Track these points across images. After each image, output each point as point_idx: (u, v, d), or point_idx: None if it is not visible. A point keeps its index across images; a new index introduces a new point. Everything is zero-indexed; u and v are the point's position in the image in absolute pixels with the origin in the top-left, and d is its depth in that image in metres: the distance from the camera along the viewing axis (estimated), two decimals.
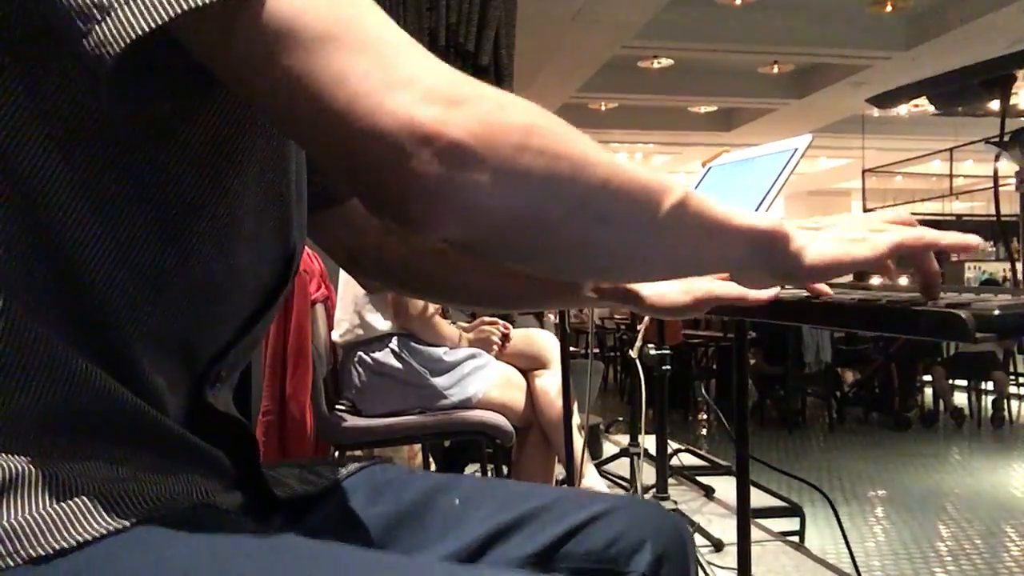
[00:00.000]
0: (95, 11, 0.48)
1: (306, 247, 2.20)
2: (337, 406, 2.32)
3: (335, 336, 2.35)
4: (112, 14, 0.47)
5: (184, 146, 0.58)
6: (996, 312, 0.64)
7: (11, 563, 0.50)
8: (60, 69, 0.53)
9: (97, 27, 0.48)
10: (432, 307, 2.33)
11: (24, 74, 0.53)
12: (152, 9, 0.47)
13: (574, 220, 0.54)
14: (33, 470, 0.53)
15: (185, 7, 0.47)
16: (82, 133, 0.55)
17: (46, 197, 0.54)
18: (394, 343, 2.27)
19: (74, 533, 0.52)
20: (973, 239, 0.70)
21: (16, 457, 0.53)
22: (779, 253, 0.64)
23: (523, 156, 0.51)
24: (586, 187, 0.53)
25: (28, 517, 0.52)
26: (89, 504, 0.53)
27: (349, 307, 2.32)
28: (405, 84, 0.49)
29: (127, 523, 0.54)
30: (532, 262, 0.61)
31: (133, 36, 0.47)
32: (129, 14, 0.47)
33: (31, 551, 0.51)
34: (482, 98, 0.51)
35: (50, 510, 0.52)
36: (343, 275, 2.36)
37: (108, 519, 0.53)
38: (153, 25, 0.47)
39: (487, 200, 0.50)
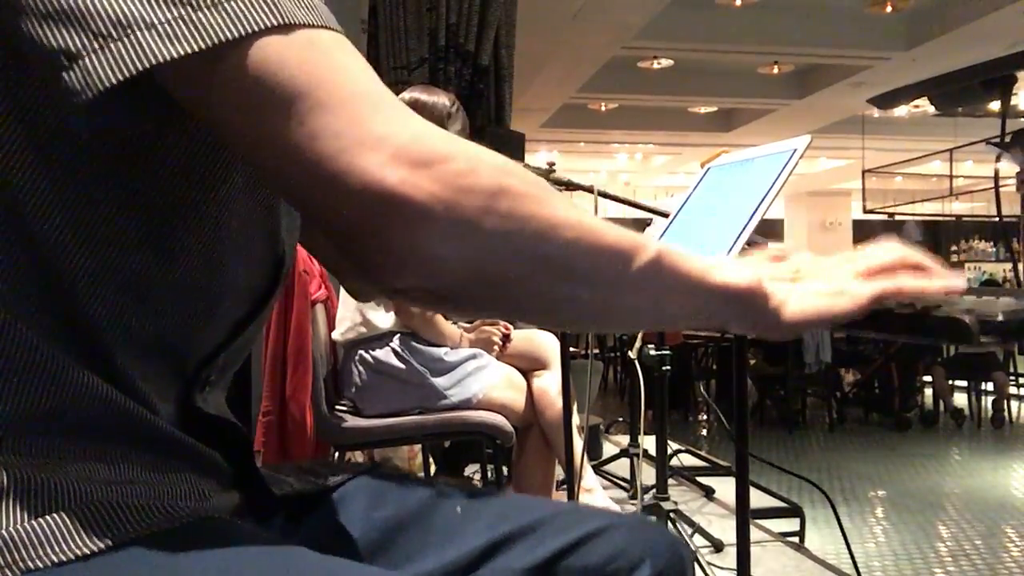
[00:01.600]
0: (63, 58, 0.48)
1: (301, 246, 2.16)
2: (337, 406, 2.32)
3: (336, 334, 2.35)
4: (80, 62, 0.48)
5: (170, 154, 0.58)
6: (1000, 317, 0.64)
7: (8, 574, 0.50)
8: (42, 79, 0.53)
9: (66, 74, 0.48)
10: None
11: (5, 84, 0.53)
12: (121, 60, 0.48)
13: (538, 278, 0.55)
14: (29, 476, 0.53)
15: (154, 60, 0.48)
16: (65, 142, 0.54)
17: (29, 206, 0.54)
18: (395, 342, 2.27)
19: (76, 545, 0.52)
20: (959, 283, 0.69)
21: (11, 463, 0.53)
22: (756, 310, 0.64)
23: (487, 219, 0.52)
24: (550, 246, 0.54)
25: (27, 527, 0.51)
26: (92, 513, 0.53)
27: (351, 305, 2.32)
28: (374, 144, 0.50)
29: (121, 540, 0.53)
30: (497, 313, 0.62)
31: (102, 87, 0.48)
32: (98, 64, 0.48)
33: (29, 563, 0.51)
34: (451, 158, 0.52)
35: (49, 519, 0.52)
36: None
37: (100, 536, 0.53)
38: (121, 77, 0.48)
39: (449, 258, 0.52)
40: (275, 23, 0.50)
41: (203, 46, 0.48)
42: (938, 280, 0.68)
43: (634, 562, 0.72)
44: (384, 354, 2.27)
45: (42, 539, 0.51)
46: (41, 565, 0.51)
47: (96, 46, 0.48)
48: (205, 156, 0.60)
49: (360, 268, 0.54)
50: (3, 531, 0.51)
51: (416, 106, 2.27)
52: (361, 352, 2.28)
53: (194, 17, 0.48)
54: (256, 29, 0.49)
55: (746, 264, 0.70)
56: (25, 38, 0.49)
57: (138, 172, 0.57)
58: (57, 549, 0.51)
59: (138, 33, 0.48)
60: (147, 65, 0.48)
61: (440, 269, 0.52)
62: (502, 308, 0.59)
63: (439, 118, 2.28)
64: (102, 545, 0.52)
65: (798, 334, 0.67)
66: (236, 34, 0.49)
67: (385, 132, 0.50)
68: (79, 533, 0.52)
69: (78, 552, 0.51)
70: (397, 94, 2.45)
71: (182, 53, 0.48)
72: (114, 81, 0.47)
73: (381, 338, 2.28)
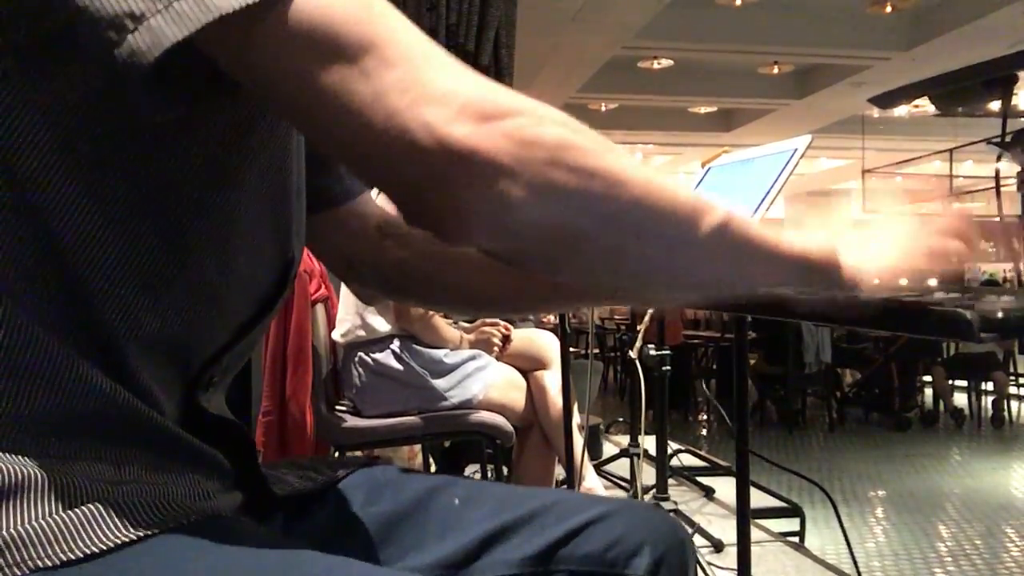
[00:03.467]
0: (127, 21, 0.48)
1: (306, 247, 2.17)
2: (337, 406, 2.32)
3: (337, 335, 2.35)
4: (146, 22, 0.48)
5: (186, 154, 0.58)
6: (1000, 313, 0.64)
7: (17, 572, 0.50)
8: (64, 74, 0.53)
9: (131, 36, 0.48)
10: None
11: (28, 79, 0.53)
12: (185, 17, 0.47)
13: (607, 235, 0.55)
14: (37, 474, 0.53)
15: (218, 14, 0.47)
16: (84, 139, 0.54)
17: (48, 203, 0.54)
18: (395, 344, 2.27)
19: (84, 543, 0.52)
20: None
21: (19, 461, 0.53)
22: (832, 279, 0.64)
23: (555, 172, 0.51)
24: (619, 204, 0.54)
25: (35, 524, 0.51)
26: (99, 512, 0.53)
27: (351, 307, 2.31)
28: (440, 99, 0.49)
29: (139, 534, 0.53)
30: (564, 272, 0.61)
31: (167, 44, 0.47)
32: (163, 23, 0.47)
33: (38, 561, 0.51)
34: (517, 113, 0.51)
35: (57, 517, 0.52)
36: None
37: (119, 529, 0.53)
38: (187, 33, 0.47)
39: (519, 215, 0.51)
40: None
41: None
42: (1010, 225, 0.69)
43: (634, 548, 0.72)
44: (384, 356, 2.27)
45: (49, 538, 0.51)
46: (49, 563, 0.51)
47: (160, 6, 0.48)
48: (220, 157, 0.60)
49: (433, 226, 0.53)
50: (11, 529, 0.51)
51: None
52: (361, 354, 2.28)
53: None
54: None
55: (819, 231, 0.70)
56: (74, 10, 0.49)
57: (155, 172, 0.57)
58: (64, 547, 0.51)
59: None
60: (211, 18, 0.47)
61: (511, 224, 0.52)
62: (574, 268, 0.57)
63: None
64: (108, 544, 0.52)
65: (882, 292, 0.67)
66: None
67: (451, 87, 0.50)
68: (85, 532, 0.52)
69: (84, 551, 0.52)
70: None
71: (244, 5, 0.47)
72: (180, 37, 0.47)
73: (381, 340, 2.28)
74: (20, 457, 0.53)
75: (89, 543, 0.52)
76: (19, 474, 0.52)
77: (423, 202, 0.51)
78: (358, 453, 2.48)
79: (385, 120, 0.49)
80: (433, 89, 0.50)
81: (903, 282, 0.66)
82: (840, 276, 0.63)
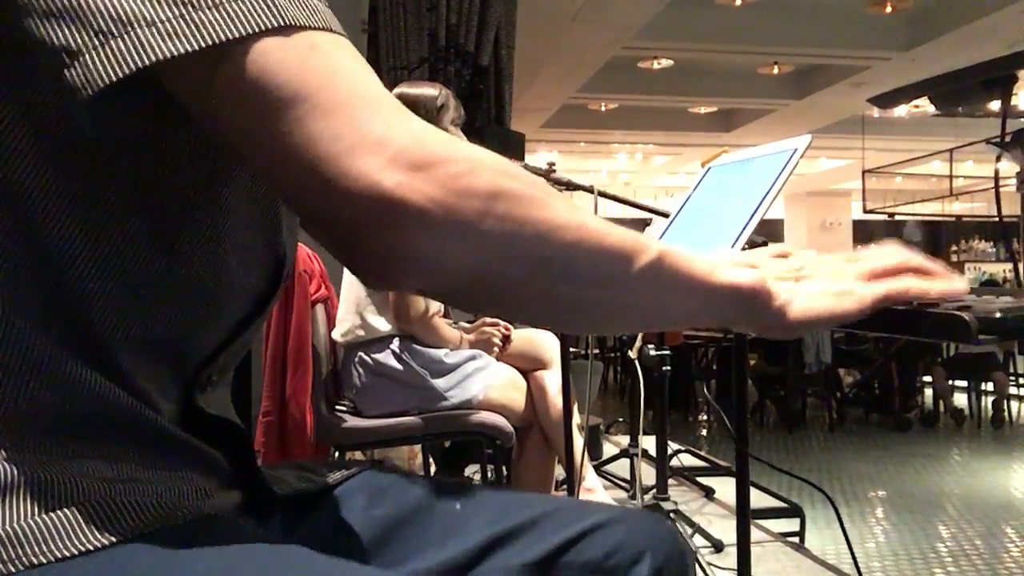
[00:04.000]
0: (64, 56, 0.48)
1: (307, 247, 2.20)
2: (337, 406, 2.32)
3: (336, 335, 2.35)
4: (81, 59, 0.48)
5: (173, 156, 0.58)
6: (998, 314, 0.64)
7: (11, 569, 0.50)
8: (47, 81, 0.53)
9: (67, 72, 0.48)
10: (433, 309, 2.33)
11: (11, 86, 0.53)
12: (121, 57, 0.48)
13: (537, 280, 0.55)
14: (29, 475, 0.53)
15: (154, 57, 0.48)
16: (70, 144, 0.54)
17: (34, 207, 0.54)
18: (395, 344, 2.27)
19: (75, 543, 0.52)
20: (961, 285, 0.69)
21: (10, 459, 0.53)
22: (761, 310, 0.63)
23: (485, 221, 0.52)
24: (550, 249, 0.54)
25: (24, 524, 0.51)
26: (85, 513, 0.53)
27: (351, 307, 2.32)
28: (372, 147, 0.50)
29: (123, 536, 0.53)
30: (496, 312, 0.63)
31: (102, 84, 0.48)
32: (98, 62, 0.48)
33: (31, 559, 0.51)
34: (449, 161, 0.52)
35: (45, 518, 0.52)
36: (346, 275, 2.36)
37: (103, 532, 0.53)
38: (122, 74, 0.48)
39: (447, 261, 0.52)
40: (275, 24, 0.50)
41: (202, 45, 0.48)
42: (941, 283, 0.68)
43: (634, 556, 0.72)
44: (384, 356, 2.27)
45: (45, 535, 0.51)
46: (44, 560, 0.51)
47: (97, 43, 0.48)
48: (209, 157, 0.60)
49: (359, 270, 0.54)
50: (6, 527, 0.51)
51: (403, 101, 2.26)
52: (361, 354, 2.28)
53: (195, 16, 0.49)
54: (256, 30, 0.49)
55: (749, 262, 0.70)
56: (29, 36, 0.49)
57: (143, 173, 0.57)
58: (60, 545, 0.51)
59: (138, 30, 0.48)
60: (146, 63, 0.48)
61: (438, 271, 0.53)
62: (502, 308, 0.59)
63: (430, 110, 2.27)
64: (104, 541, 0.52)
65: (802, 334, 0.67)
66: (236, 34, 0.49)
67: (384, 135, 0.50)
68: (81, 529, 0.52)
69: (80, 548, 0.52)
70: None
71: (181, 51, 0.48)
72: (114, 78, 0.48)
73: (381, 340, 2.28)
74: (12, 456, 0.53)
75: (84, 541, 0.52)
76: (13, 473, 0.53)
77: (353, 247, 0.52)
78: (358, 453, 2.48)
79: (316, 167, 0.49)
80: (366, 136, 0.50)
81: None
82: (770, 307, 0.63)
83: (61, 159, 0.55)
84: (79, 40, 0.48)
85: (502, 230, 0.52)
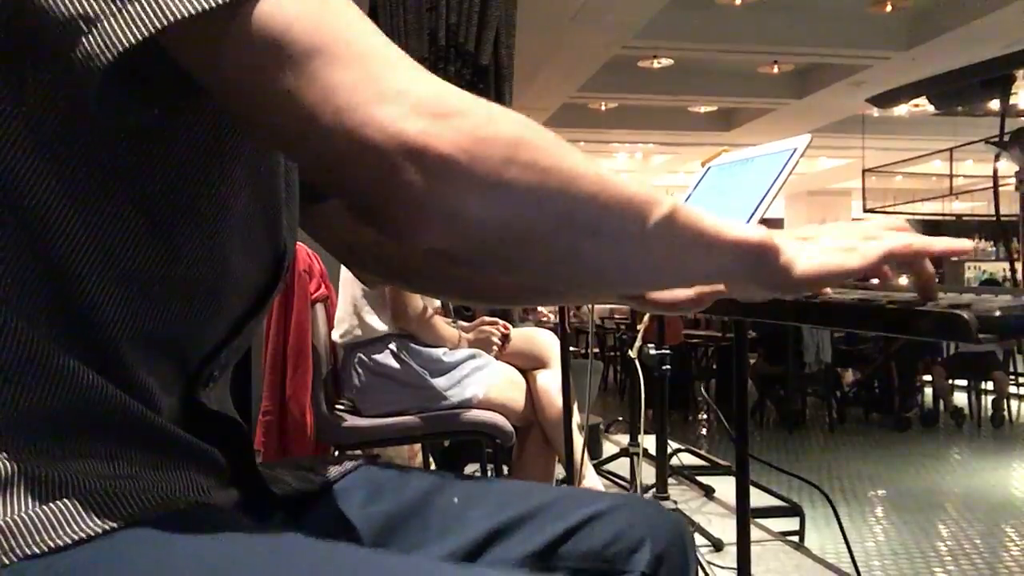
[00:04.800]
0: (82, 23, 0.48)
1: (307, 246, 2.20)
2: (337, 406, 2.32)
3: (335, 335, 2.35)
4: (99, 25, 0.48)
5: (171, 151, 0.58)
6: (998, 313, 0.64)
7: (6, 561, 0.51)
8: (46, 79, 0.53)
9: (84, 39, 0.48)
10: (431, 308, 2.33)
11: (9, 84, 0.53)
12: (139, 21, 0.47)
13: (561, 233, 0.54)
14: (28, 471, 0.53)
15: (171, 18, 0.47)
16: (68, 140, 0.54)
17: (34, 204, 0.54)
18: (393, 344, 2.27)
19: (70, 532, 0.52)
20: (964, 243, 0.69)
21: (11, 458, 0.53)
22: (769, 265, 0.63)
23: (510, 170, 0.51)
24: (574, 200, 0.54)
25: (21, 516, 0.52)
26: (83, 503, 0.53)
27: (349, 307, 2.32)
28: (393, 97, 0.49)
29: (121, 523, 0.54)
30: (518, 272, 0.61)
31: (121, 48, 0.47)
32: (116, 27, 0.47)
33: (27, 549, 0.51)
34: (470, 111, 0.51)
35: (41, 509, 0.52)
36: (343, 274, 2.36)
37: (101, 519, 0.53)
38: (140, 37, 0.47)
39: (473, 212, 0.51)
40: None
41: (217, 2, 0.48)
42: (944, 240, 0.69)
43: (635, 543, 0.72)
44: (383, 356, 2.27)
45: (41, 526, 0.52)
46: (39, 551, 0.51)
47: (114, 8, 0.48)
48: (207, 152, 0.60)
49: (382, 227, 0.53)
50: (3, 519, 0.51)
51: None
52: (360, 355, 2.28)
53: None
54: None
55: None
56: (37, 12, 0.49)
57: (141, 169, 0.57)
58: (55, 534, 0.52)
59: None
60: (164, 23, 0.47)
61: (464, 222, 0.51)
62: (525, 265, 0.57)
63: None
64: (99, 529, 0.53)
65: (811, 291, 0.67)
66: None
67: (403, 86, 0.50)
68: (77, 518, 0.53)
69: (75, 537, 0.52)
70: None
71: (198, 10, 0.47)
72: (133, 41, 0.47)
73: (379, 340, 2.28)
74: (11, 453, 0.53)
75: (78, 529, 0.52)
76: (9, 470, 0.53)
77: (375, 201, 0.51)
78: (358, 453, 2.48)
79: (336, 119, 0.49)
80: (386, 88, 0.50)
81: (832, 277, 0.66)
82: (777, 261, 0.63)
83: (61, 158, 0.55)
84: (96, 7, 0.48)
85: (526, 178, 0.52)
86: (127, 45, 0.47)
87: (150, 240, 0.58)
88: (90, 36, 0.48)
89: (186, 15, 0.47)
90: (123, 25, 0.47)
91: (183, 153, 0.59)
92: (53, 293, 0.56)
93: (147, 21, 0.47)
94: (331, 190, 0.54)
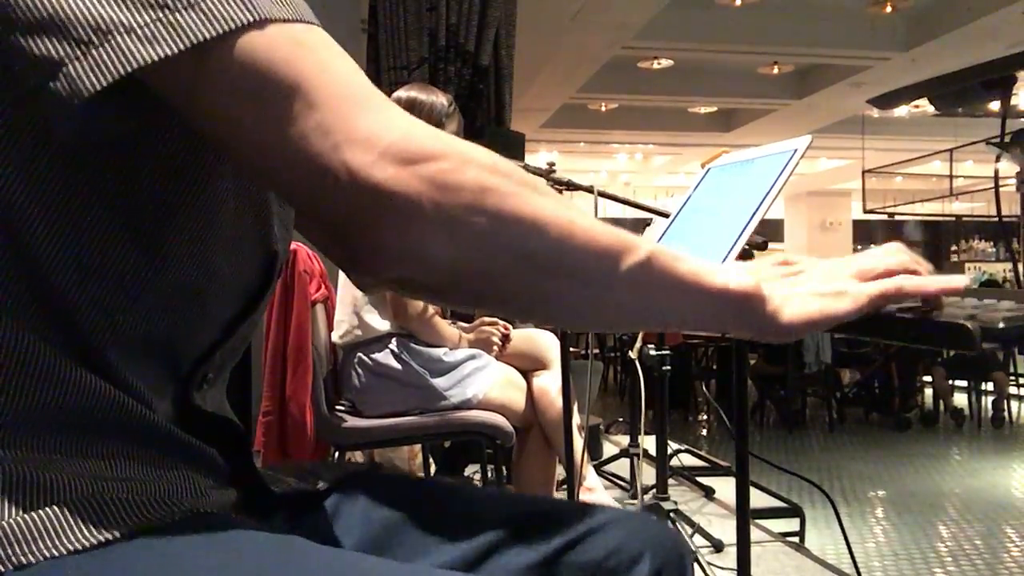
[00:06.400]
0: (47, 67, 0.48)
1: (307, 247, 2.20)
2: (337, 406, 2.32)
3: (335, 337, 2.35)
4: (65, 70, 0.48)
5: (154, 154, 0.58)
6: (1001, 324, 0.64)
7: (1, 569, 0.50)
8: (22, 95, 0.53)
9: (53, 83, 0.48)
10: (432, 308, 2.33)
11: None
12: (105, 65, 0.48)
13: (521, 273, 0.56)
14: (23, 474, 0.53)
15: (137, 63, 0.48)
16: (47, 145, 0.54)
17: (14, 210, 0.54)
18: (393, 344, 2.27)
19: (66, 541, 0.51)
20: (959, 280, 0.68)
21: (5, 460, 0.53)
22: (754, 313, 0.63)
23: (473, 217, 0.53)
24: (538, 246, 0.55)
25: (13, 522, 0.51)
26: (82, 510, 0.53)
27: (348, 307, 2.31)
28: (363, 142, 0.50)
29: (118, 532, 0.53)
30: (480, 307, 0.63)
31: (87, 93, 0.48)
32: (83, 71, 0.48)
33: (21, 558, 0.50)
34: (439, 156, 0.52)
35: (38, 515, 0.52)
36: (342, 275, 2.36)
37: (97, 528, 0.53)
38: (106, 81, 0.48)
39: (436, 257, 0.53)
40: (251, 19, 0.50)
41: (183, 46, 0.48)
42: (938, 280, 0.68)
43: (634, 557, 0.72)
44: (383, 356, 2.27)
45: (35, 534, 0.51)
46: (34, 560, 0.51)
47: (78, 53, 0.48)
48: (190, 156, 0.59)
49: (350, 261, 0.55)
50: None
51: (414, 104, 2.27)
52: (360, 355, 2.28)
53: (172, 19, 0.49)
54: (233, 26, 0.49)
55: (746, 269, 0.70)
56: (13, 50, 0.49)
57: (123, 175, 0.57)
58: (50, 543, 0.51)
59: (118, 38, 0.48)
60: (129, 69, 0.48)
61: (427, 264, 0.53)
62: (489, 302, 0.59)
63: (436, 118, 2.28)
64: (97, 539, 0.52)
65: (798, 337, 0.66)
66: (214, 32, 0.49)
67: (374, 130, 0.51)
68: (73, 527, 0.52)
69: (71, 547, 0.51)
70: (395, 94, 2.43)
71: (163, 55, 0.48)
72: (99, 86, 0.48)
73: (379, 340, 2.28)
74: (5, 454, 0.53)
75: (75, 539, 0.52)
76: (3, 472, 0.52)
77: (341, 240, 0.53)
78: (358, 453, 2.48)
79: (306, 162, 0.50)
80: (355, 131, 0.51)
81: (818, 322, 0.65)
82: (763, 309, 0.63)
83: (40, 166, 0.54)
84: (61, 51, 0.48)
85: (490, 225, 0.53)
86: (93, 90, 0.48)
87: (133, 245, 0.58)
88: (57, 81, 0.48)
89: (151, 60, 0.48)
90: (88, 70, 0.48)
91: (165, 157, 0.58)
92: (39, 298, 0.55)
93: (112, 66, 0.48)
94: (304, 220, 0.56)
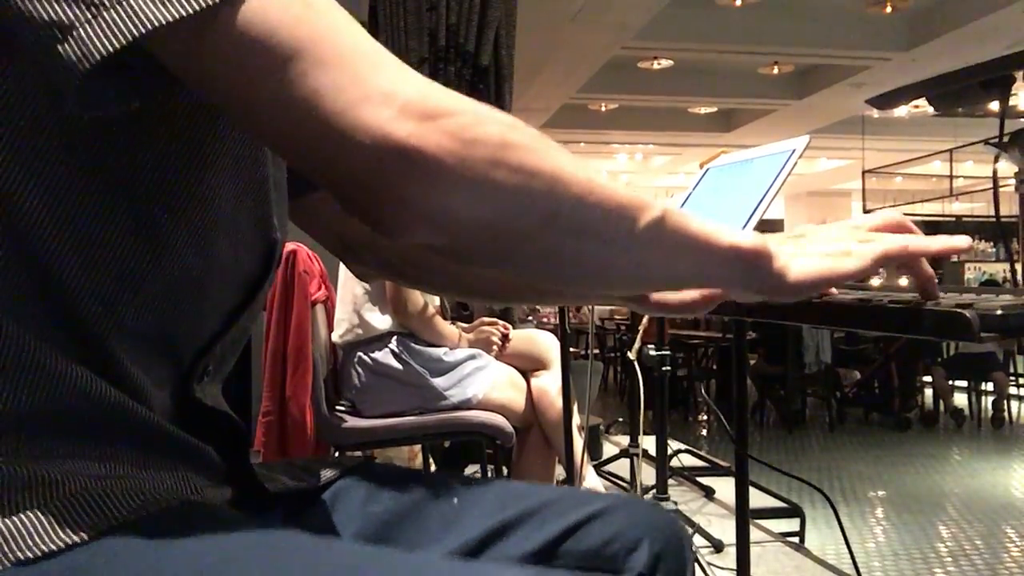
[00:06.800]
0: (56, 31, 0.47)
1: (307, 248, 2.19)
2: (337, 407, 2.32)
3: (335, 337, 2.35)
4: (75, 33, 0.47)
5: (152, 143, 0.58)
6: (999, 312, 0.64)
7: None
8: (17, 72, 0.53)
9: (60, 47, 0.47)
10: (432, 307, 2.33)
11: None
12: (116, 28, 0.47)
13: (546, 233, 0.55)
14: (17, 473, 0.53)
15: (149, 26, 0.47)
16: (45, 134, 0.54)
17: (13, 201, 0.54)
18: (394, 343, 2.27)
19: (59, 537, 0.51)
20: (962, 241, 0.69)
21: (2, 458, 0.53)
22: (762, 271, 0.63)
23: (496, 171, 0.51)
24: (559, 202, 0.54)
25: (8, 520, 0.51)
26: (74, 505, 0.53)
27: (348, 306, 2.32)
28: (380, 99, 0.50)
29: (111, 526, 0.53)
30: (503, 268, 0.62)
31: (98, 57, 0.47)
32: (93, 34, 0.47)
33: (19, 554, 0.51)
34: (458, 112, 0.51)
35: (31, 513, 0.52)
36: (343, 274, 2.36)
37: (92, 523, 0.53)
38: (117, 45, 0.47)
39: (459, 211, 0.52)
40: None
41: (196, 8, 0.47)
42: (941, 239, 0.69)
43: (632, 542, 0.72)
44: (383, 356, 2.27)
45: (29, 531, 0.51)
46: (31, 555, 0.51)
47: (89, 16, 0.47)
48: (188, 143, 0.59)
49: (370, 223, 0.53)
50: None
51: None
52: (360, 354, 2.28)
53: None
54: None
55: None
56: (14, 16, 0.48)
57: (120, 163, 0.57)
58: (45, 539, 0.51)
59: (130, 0, 0.47)
60: (142, 31, 0.47)
61: (451, 221, 0.52)
62: (510, 263, 0.58)
63: None
64: (88, 534, 0.52)
65: (804, 296, 0.67)
66: None
67: (390, 87, 0.50)
68: (65, 523, 0.52)
69: (66, 541, 0.51)
70: None
71: (176, 17, 0.47)
72: (110, 49, 0.47)
73: (379, 339, 2.28)
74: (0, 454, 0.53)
75: (69, 534, 0.52)
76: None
77: (364, 198, 0.52)
78: (358, 453, 2.48)
79: (323, 122, 0.49)
80: (373, 89, 0.50)
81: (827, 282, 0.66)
82: (770, 268, 0.63)
83: (37, 154, 0.54)
84: (71, 14, 0.47)
85: (514, 180, 0.52)
86: (104, 54, 0.47)
87: (133, 235, 0.58)
88: (67, 44, 0.47)
89: (164, 22, 0.47)
90: (100, 33, 0.47)
91: (163, 146, 0.58)
92: (37, 291, 0.55)
93: (124, 29, 0.47)
94: (320, 184, 0.54)
